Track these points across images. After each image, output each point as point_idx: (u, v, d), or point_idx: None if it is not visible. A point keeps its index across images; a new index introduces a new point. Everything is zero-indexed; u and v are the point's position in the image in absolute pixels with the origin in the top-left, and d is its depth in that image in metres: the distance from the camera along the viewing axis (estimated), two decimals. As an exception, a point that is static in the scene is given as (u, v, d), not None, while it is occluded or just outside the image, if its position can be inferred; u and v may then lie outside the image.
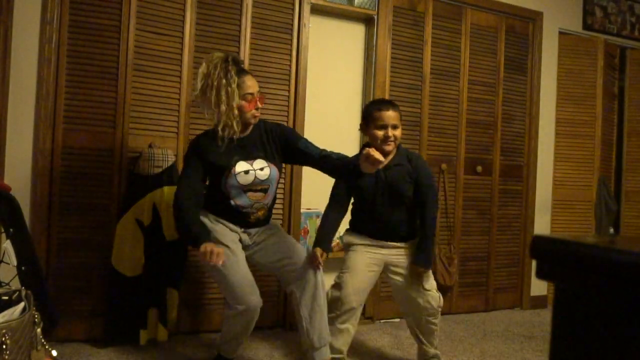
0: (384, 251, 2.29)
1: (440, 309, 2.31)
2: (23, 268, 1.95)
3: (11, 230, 1.95)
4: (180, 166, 2.59)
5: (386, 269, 2.31)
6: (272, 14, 2.88)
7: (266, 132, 2.18)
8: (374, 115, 2.25)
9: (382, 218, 2.27)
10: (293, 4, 2.92)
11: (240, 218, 2.15)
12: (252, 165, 2.11)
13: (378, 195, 2.26)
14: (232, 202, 2.12)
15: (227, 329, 2.15)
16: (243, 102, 2.06)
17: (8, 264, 1.93)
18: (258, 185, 2.13)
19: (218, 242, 2.08)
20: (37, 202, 2.43)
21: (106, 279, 2.50)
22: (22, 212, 2.03)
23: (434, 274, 2.34)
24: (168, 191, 2.52)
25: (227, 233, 2.13)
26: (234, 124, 2.04)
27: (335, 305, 2.19)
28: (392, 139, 2.22)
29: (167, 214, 2.51)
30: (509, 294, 3.62)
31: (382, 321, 3.17)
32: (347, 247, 2.34)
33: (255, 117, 2.12)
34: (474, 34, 3.46)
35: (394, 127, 2.23)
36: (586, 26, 3.88)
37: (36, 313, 1.62)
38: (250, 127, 2.15)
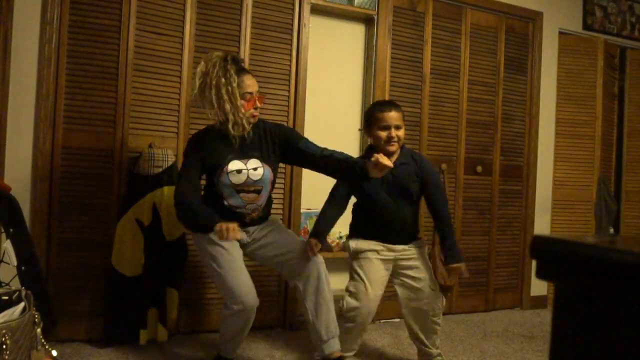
0: (392, 254, 2.28)
1: (442, 309, 2.32)
2: (23, 268, 1.95)
3: (11, 230, 1.96)
4: (180, 166, 2.59)
5: (394, 272, 2.30)
6: (272, 14, 2.88)
7: (265, 131, 2.17)
8: (376, 116, 2.25)
9: (389, 218, 2.26)
10: (293, 4, 2.92)
11: (234, 218, 2.13)
12: (245, 164, 2.10)
13: (385, 195, 2.25)
14: (226, 202, 2.12)
15: (224, 328, 2.16)
16: (242, 102, 2.05)
17: (8, 264, 1.93)
18: (251, 186, 2.12)
19: (213, 242, 2.08)
20: (37, 202, 2.43)
21: (106, 279, 2.50)
22: (22, 212, 2.04)
23: (434, 274, 2.33)
24: (168, 191, 2.52)
25: None
26: (244, 122, 2.05)
27: (353, 317, 2.18)
28: (395, 139, 2.23)
29: (167, 214, 2.51)
30: (509, 294, 3.62)
31: (382, 321, 3.17)
32: (355, 254, 2.29)
33: (254, 116, 2.11)
34: (474, 34, 3.46)
35: (397, 127, 2.24)
36: (586, 26, 3.88)
37: (36, 313, 1.62)
38: (249, 127, 2.14)
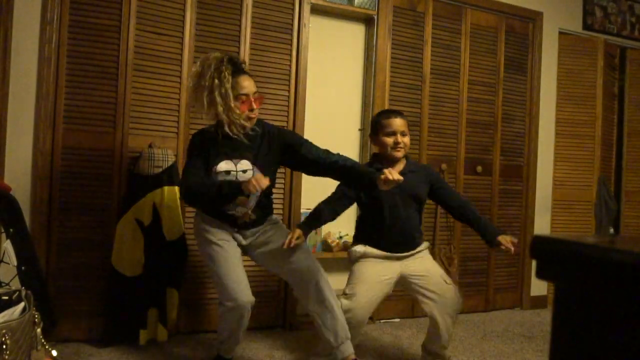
0: (399, 263, 2.28)
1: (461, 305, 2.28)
2: (23, 268, 1.95)
3: (11, 230, 1.96)
4: (180, 166, 2.60)
5: (404, 280, 2.28)
6: (272, 14, 2.88)
7: (264, 134, 2.13)
8: (382, 123, 2.29)
9: (398, 224, 2.27)
10: (293, 4, 2.92)
11: (227, 219, 2.13)
12: (235, 166, 2.07)
13: (394, 202, 2.25)
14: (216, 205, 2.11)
15: (221, 327, 2.15)
16: (236, 103, 2.01)
17: (8, 264, 1.93)
18: None
19: (209, 241, 2.09)
20: (37, 202, 2.43)
21: (106, 279, 2.50)
22: (22, 212, 2.04)
23: None
24: (168, 191, 2.52)
25: (219, 232, 2.12)
26: (238, 124, 2.02)
27: (348, 318, 2.16)
28: (401, 145, 2.27)
29: (167, 214, 2.52)
30: (509, 294, 3.62)
31: (382, 321, 3.17)
32: (357, 258, 2.29)
33: (249, 118, 2.07)
34: (474, 34, 3.46)
35: (403, 134, 2.28)
36: (586, 26, 3.88)
37: (36, 313, 1.62)
38: (245, 128, 2.09)
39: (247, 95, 2.05)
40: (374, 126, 2.34)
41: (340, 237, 3.14)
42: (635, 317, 0.51)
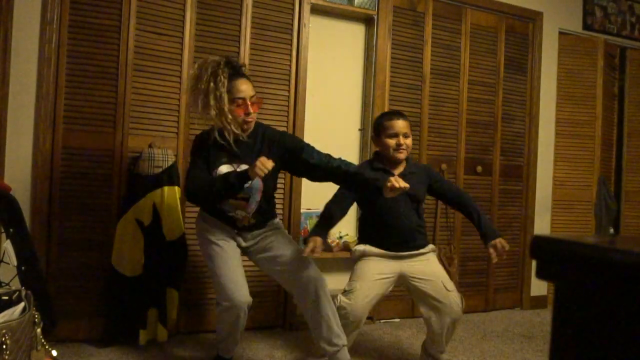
0: (399, 262, 2.28)
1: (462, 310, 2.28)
2: (23, 268, 1.95)
3: (11, 230, 1.95)
4: (180, 166, 2.60)
5: (404, 280, 2.28)
6: (272, 14, 2.88)
7: (264, 138, 2.11)
8: (385, 125, 2.30)
9: (398, 224, 2.28)
10: (293, 4, 2.92)
11: (227, 221, 2.13)
12: (235, 170, 2.03)
13: (393, 202, 2.24)
14: (218, 205, 2.11)
15: (218, 327, 2.16)
16: (232, 107, 1.99)
17: (8, 264, 1.93)
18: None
19: (209, 241, 2.09)
20: (37, 202, 2.43)
21: (106, 279, 2.50)
22: (22, 212, 2.03)
23: None
24: (168, 191, 2.52)
25: (220, 232, 2.12)
26: (233, 127, 1.99)
27: (345, 314, 2.17)
28: (404, 146, 2.28)
29: (167, 214, 2.51)
30: (509, 294, 3.62)
31: (382, 321, 3.17)
32: (359, 257, 2.30)
33: (246, 122, 2.04)
34: (474, 34, 3.46)
35: (405, 135, 2.29)
36: (586, 26, 3.88)
37: (36, 313, 1.62)
38: (243, 132, 2.06)
39: (243, 99, 2.01)
40: (377, 128, 2.35)
41: (340, 237, 3.14)
42: (635, 317, 0.51)
